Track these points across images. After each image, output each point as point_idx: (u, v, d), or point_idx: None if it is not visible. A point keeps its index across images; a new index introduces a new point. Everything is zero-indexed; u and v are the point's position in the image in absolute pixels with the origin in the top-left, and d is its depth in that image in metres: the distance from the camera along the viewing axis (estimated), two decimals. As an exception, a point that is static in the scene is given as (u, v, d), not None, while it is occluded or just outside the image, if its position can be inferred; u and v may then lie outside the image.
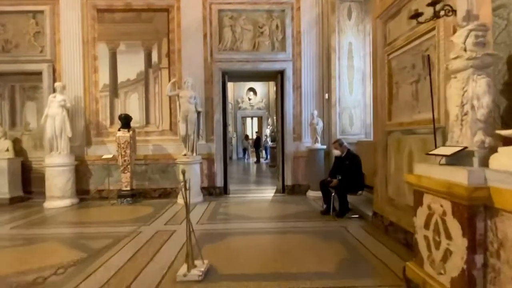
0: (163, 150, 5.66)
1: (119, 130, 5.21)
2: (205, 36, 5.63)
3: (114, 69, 5.71)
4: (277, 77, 5.91)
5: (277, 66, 5.68)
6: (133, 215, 4.38)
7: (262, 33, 5.66)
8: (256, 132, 15.50)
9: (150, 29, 5.71)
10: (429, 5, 2.02)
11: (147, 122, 5.75)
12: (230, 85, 15.97)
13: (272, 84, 15.60)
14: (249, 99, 15.81)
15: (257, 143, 14.49)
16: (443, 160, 1.65)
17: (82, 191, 5.58)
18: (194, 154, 5.12)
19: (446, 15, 2.06)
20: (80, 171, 5.58)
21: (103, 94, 5.72)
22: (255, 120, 17.93)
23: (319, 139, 5.30)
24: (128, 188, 5.20)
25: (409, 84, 2.84)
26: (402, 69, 3.00)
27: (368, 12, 5.30)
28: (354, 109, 5.42)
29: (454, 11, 2.05)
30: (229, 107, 16.05)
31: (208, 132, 5.70)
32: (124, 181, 5.21)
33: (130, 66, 5.71)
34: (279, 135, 6.02)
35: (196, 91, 5.42)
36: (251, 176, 9.07)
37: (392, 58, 3.18)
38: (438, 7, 2.00)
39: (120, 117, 5.19)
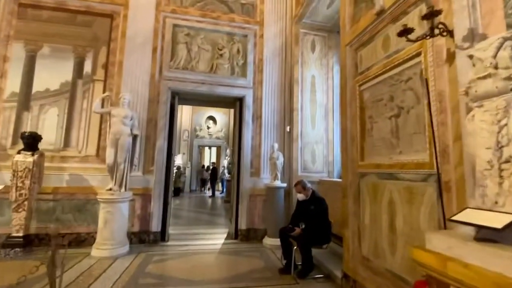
0: (83, 181, 4.38)
1: (18, 152, 3.87)
2: (154, 50, 4.87)
3: (30, 76, 4.50)
4: (236, 104, 5.31)
5: (236, 92, 5.10)
6: (8, 278, 2.96)
7: (221, 55, 5.13)
8: (213, 163, 14.48)
9: (86, 34, 4.76)
10: (424, 18, 1.59)
11: (66, 144, 4.49)
12: (187, 112, 15.20)
13: (232, 113, 15.22)
14: (208, 128, 15.01)
15: (213, 175, 13.44)
16: (482, 233, 1.03)
17: None
18: (123, 189, 3.98)
19: (440, 34, 1.64)
20: (-50, 208, 3.94)
21: (8, 105, 4.38)
22: (214, 150, 17.01)
23: (279, 175, 4.64)
24: (20, 234, 3.73)
25: (387, 119, 2.38)
26: (376, 102, 2.57)
27: (331, 47, 5.20)
28: (317, 145, 4.98)
29: (449, 32, 1.65)
30: (185, 134, 15.15)
31: (147, 162, 4.64)
32: (15, 223, 3.75)
33: (54, 74, 4.57)
34: (234, 169, 5.23)
35: (136, 111, 4.47)
36: (202, 214, 7.88)
37: (364, 89, 2.77)
38: (435, 21, 1.57)
39: (23, 136, 3.89)
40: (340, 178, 4.78)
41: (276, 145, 4.72)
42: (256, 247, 4.44)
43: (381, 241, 2.34)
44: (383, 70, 2.44)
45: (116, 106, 4.21)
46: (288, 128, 5.06)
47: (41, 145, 4.31)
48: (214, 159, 16.30)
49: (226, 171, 13.33)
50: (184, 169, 13.86)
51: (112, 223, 3.77)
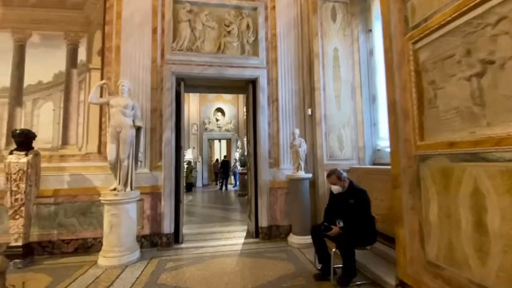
0: (85, 182, 3.95)
1: (11, 153, 3.45)
2: (154, 31, 4.31)
3: (20, 68, 4.05)
4: (248, 87, 4.72)
5: (248, 74, 4.51)
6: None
7: (229, 32, 4.53)
8: (225, 156, 14.04)
9: (78, 18, 4.25)
10: None
11: (64, 142, 4.06)
12: (195, 105, 14.71)
13: (242, 103, 14.61)
14: (217, 120, 14.51)
15: (225, 168, 13.02)
16: None
17: None
18: (129, 188, 3.52)
19: None
20: None
21: (-1, 101, 3.97)
22: (223, 143, 16.56)
23: (302, 165, 4.07)
24: (20, 243, 3.35)
25: (464, 80, 1.75)
26: (441, 61, 1.94)
27: (354, 14, 4.51)
28: (344, 128, 4.36)
29: None
30: (194, 128, 14.72)
31: (154, 157, 4.16)
32: (13, 231, 3.36)
33: (45, 64, 4.10)
34: (251, 160, 4.69)
35: (138, 101, 3.97)
36: (216, 209, 7.45)
37: (421, 47, 2.13)
38: None
39: (14, 134, 3.46)
40: (373, 164, 4.18)
41: (297, 131, 4.13)
42: (281, 246, 3.93)
43: (461, 244, 1.76)
44: (454, 16, 1.80)
45: (115, 95, 3.71)
46: (309, 111, 4.46)
47: (37, 144, 3.89)
48: (224, 152, 15.89)
49: (238, 163, 12.88)
50: (195, 163, 13.51)
51: (118, 227, 3.34)
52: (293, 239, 3.94)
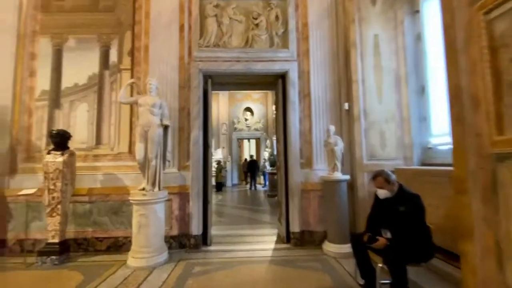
0: (117, 181, 3.99)
1: (48, 153, 3.59)
2: (181, 28, 4.23)
3: (58, 71, 4.23)
4: (277, 82, 4.43)
5: (277, 68, 4.22)
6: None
7: (257, 25, 4.29)
8: (251, 156, 13.88)
9: (110, 20, 4.33)
10: None
11: (98, 142, 4.15)
12: (224, 105, 14.79)
13: (270, 102, 14.35)
14: (246, 120, 14.43)
15: (252, 167, 12.86)
16: None
17: (-5, 242, 3.82)
18: (157, 188, 3.45)
19: None
20: (-4, 212, 3.87)
21: (40, 104, 4.18)
22: (253, 142, 16.44)
23: (338, 165, 3.68)
24: (56, 240, 3.46)
25: None
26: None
27: (398, -5, 3.97)
28: (387, 124, 3.87)
29: None
30: (224, 128, 14.80)
31: (182, 156, 4.08)
32: (50, 228, 3.48)
33: (80, 67, 4.24)
34: (281, 160, 4.40)
35: (166, 99, 3.91)
36: (246, 210, 7.28)
37: (496, 17, 1.67)
38: None
39: (51, 134, 3.59)
40: (422, 165, 3.64)
41: (332, 128, 3.75)
42: (315, 254, 3.59)
43: None
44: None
45: (143, 94, 3.68)
46: (346, 106, 4.04)
47: (74, 144, 4.03)
48: (253, 152, 15.77)
49: (267, 163, 12.65)
50: (225, 163, 13.56)
51: (147, 228, 3.28)
52: (329, 247, 3.57)
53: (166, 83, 4.08)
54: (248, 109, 14.57)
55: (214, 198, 9.72)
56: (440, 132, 3.51)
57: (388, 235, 2.37)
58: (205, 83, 4.33)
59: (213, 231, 4.58)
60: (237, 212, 6.96)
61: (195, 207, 3.95)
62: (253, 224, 5.51)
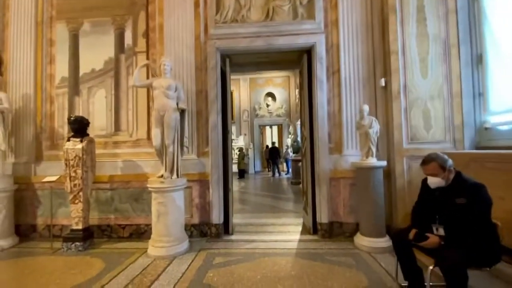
0: (136, 168, 3.91)
1: (68, 140, 3.54)
2: (196, 3, 3.91)
3: (76, 57, 4.15)
4: (302, 59, 4.00)
5: (302, 42, 3.78)
6: (63, 279, 2.59)
7: (278, -5, 3.84)
8: (273, 143, 13.53)
9: (123, 1, 4.12)
10: None
11: (117, 128, 4.06)
12: (245, 91, 14.42)
13: (293, 86, 13.74)
14: (267, 105, 14.02)
15: (274, 154, 12.53)
16: None
17: (27, 227, 3.96)
18: (175, 175, 3.29)
19: None
20: (26, 198, 3.99)
21: (60, 91, 4.16)
22: (275, 129, 16.06)
23: (373, 150, 3.24)
24: (80, 227, 3.46)
25: None
26: None
27: None
28: (432, 101, 3.32)
29: None
30: (245, 114, 14.52)
31: (201, 142, 3.87)
32: (74, 215, 3.49)
33: (96, 52, 4.12)
34: (306, 145, 4.03)
35: (182, 82, 3.68)
36: (268, 198, 7.06)
37: None
38: None
39: (69, 121, 3.53)
40: (477, 148, 3.09)
41: (366, 108, 3.29)
42: (346, 248, 3.25)
43: None
44: None
45: (156, 76, 3.47)
46: (382, 82, 3.53)
47: (94, 131, 3.99)
48: (276, 138, 15.42)
49: (290, 150, 12.26)
50: (247, 150, 13.39)
51: (166, 216, 3.14)
52: (362, 240, 3.21)
53: (182, 65, 3.84)
54: (270, 95, 14.12)
55: (236, 185, 9.65)
56: (501, 109, 2.91)
57: (441, 232, 1.96)
58: (223, 63, 4.02)
59: (235, 219, 4.40)
60: (260, 200, 6.75)
61: (215, 195, 3.76)
62: (276, 213, 5.26)
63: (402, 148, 3.34)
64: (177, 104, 3.30)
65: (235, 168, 11.95)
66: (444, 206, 1.95)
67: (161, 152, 3.30)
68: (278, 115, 13.97)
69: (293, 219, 4.62)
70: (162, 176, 3.24)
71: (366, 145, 3.28)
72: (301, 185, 7.36)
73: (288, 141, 12.77)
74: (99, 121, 4.07)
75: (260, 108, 14.06)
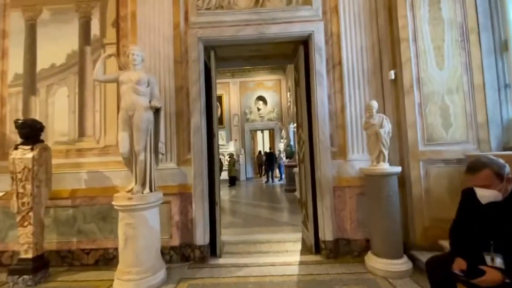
0: (104, 180, 3.27)
1: (15, 148, 2.88)
2: (175, -13, 3.38)
3: (33, 51, 3.52)
4: (298, 51, 3.50)
5: (298, 30, 3.28)
6: None
7: (270, -23, 3.35)
8: (270, 148, 13.07)
9: (89, -15, 3.54)
10: None
11: (81, 133, 3.43)
12: (235, 95, 13.88)
13: (284, 89, 13.30)
14: (258, 109, 13.54)
15: (270, 159, 12.06)
16: None
17: (-32, 255, 3.24)
18: (147, 189, 2.68)
19: None
20: (-32, 220, 3.28)
21: (13, 90, 3.51)
22: (266, 133, 15.58)
23: (385, 154, 2.73)
24: (30, 255, 2.78)
25: None
26: None
27: None
28: (451, 96, 2.85)
29: None
30: (235, 119, 13.96)
31: (182, 148, 3.28)
32: (23, 241, 2.81)
33: (57, 44, 3.50)
34: (304, 149, 3.50)
35: (160, 78, 3.11)
36: (262, 208, 6.47)
37: None
38: None
39: (17, 125, 2.87)
40: (504, 149, 2.62)
41: (375, 104, 2.79)
42: (357, 273, 2.70)
43: None
44: None
45: (124, 69, 2.89)
46: (392, 74, 3.06)
47: (53, 137, 3.36)
48: (267, 144, 14.93)
49: (283, 154, 11.75)
50: (238, 156, 12.81)
51: (135, 241, 2.52)
52: (375, 263, 2.66)
53: (158, 58, 3.27)
54: (261, 98, 13.66)
55: (227, 194, 9.02)
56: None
57: (498, 263, 1.44)
58: (207, 56, 3.48)
59: (225, 236, 3.81)
60: (252, 211, 6.16)
61: (199, 211, 3.16)
62: (271, 226, 4.68)
63: (417, 151, 2.85)
64: (150, 101, 2.71)
65: (225, 175, 11.33)
66: (502, 227, 1.44)
67: (130, 160, 2.70)
68: (270, 119, 13.50)
69: (291, 234, 4.05)
70: (130, 190, 2.62)
71: (376, 148, 2.77)
72: (297, 193, 6.82)
73: (281, 145, 12.28)
74: (60, 125, 3.43)
75: (251, 112, 13.56)
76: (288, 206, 6.52)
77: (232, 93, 13.62)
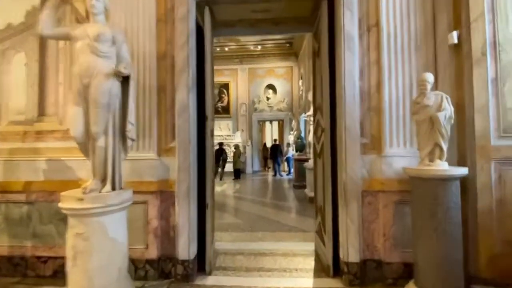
0: (67, 171, 2.58)
1: None
2: None
3: (-15, 7, 2.82)
4: (320, 9, 2.65)
5: (322, -21, 2.43)
6: None
7: None
8: (275, 140, 12.29)
9: None
10: None
11: (41, 112, 2.73)
12: (243, 81, 12.94)
13: (296, 77, 12.33)
14: (268, 99, 12.68)
15: (274, 152, 11.32)
16: None
17: None
18: (108, 186, 1.95)
19: None
20: None
21: (-38, 56, 2.83)
22: (275, 124, 14.74)
23: (444, 148, 1.91)
24: (-38, 266, 2.13)
25: None
26: None
27: None
28: (545, 67, 1.98)
29: None
30: (243, 108, 13.14)
31: (164, 133, 2.54)
32: (-45, 247, 2.16)
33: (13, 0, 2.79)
34: (323, 139, 2.69)
35: (138, 42, 2.36)
36: (266, 207, 5.74)
37: None
38: None
39: None
40: None
41: (430, 77, 1.97)
42: (395, 312, 1.93)
43: None
44: None
45: (81, 22, 2.14)
46: (454, 36, 2.18)
47: (7, 115, 2.69)
48: (276, 135, 14.11)
49: (292, 147, 10.92)
50: (244, 147, 12.08)
51: (87, 259, 1.82)
52: (424, 301, 1.88)
53: (136, 15, 2.51)
54: (270, 87, 12.77)
55: (231, 188, 8.33)
56: None
57: None
58: (201, 15, 2.68)
59: (221, 243, 3.14)
60: (256, 210, 5.43)
61: (183, 214, 2.44)
62: (277, 231, 3.94)
63: (488, 146, 2.01)
64: (116, 65, 1.96)
65: (230, 167, 10.65)
66: None
67: (86, 146, 1.98)
68: (279, 109, 12.62)
69: (301, 244, 3.30)
70: (84, 188, 1.91)
71: (430, 139, 1.95)
72: (307, 190, 5.98)
73: (291, 137, 11.43)
74: (16, 101, 2.75)
75: (259, 101, 12.71)
76: (296, 206, 5.77)
77: (240, 80, 12.78)
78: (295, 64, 12.37)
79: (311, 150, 7.64)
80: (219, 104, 12.67)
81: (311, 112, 6.62)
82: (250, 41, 12.08)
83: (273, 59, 12.60)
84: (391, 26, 2.34)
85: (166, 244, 2.49)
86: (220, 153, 10.40)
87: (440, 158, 1.93)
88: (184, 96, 2.46)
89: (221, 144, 10.86)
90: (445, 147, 1.91)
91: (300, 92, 11.24)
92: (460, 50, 2.16)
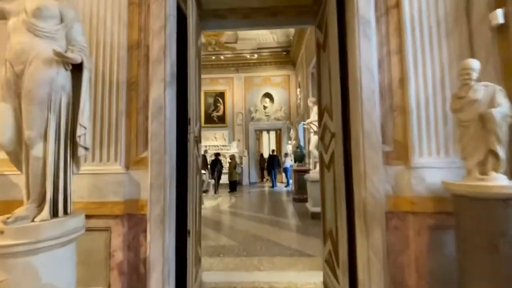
0: (11, 189, 2.03)
1: None
2: None
3: None
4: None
5: (329, -48, 2.01)
6: None
7: None
8: (273, 150, 11.83)
9: None
10: None
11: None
12: (240, 90, 12.51)
13: (293, 85, 11.96)
14: (265, 107, 12.30)
15: (271, 163, 10.85)
16: None
17: None
18: (46, 212, 1.42)
19: None
20: None
21: None
22: (272, 134, 14.31)
23: (501, 157, 1.42)
24: None
25: None
26: None
27: None
28: None
29: None
30: (239, 118, 12.69)
31: (134, 140, 2.03)
32: None
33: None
34: (334, 147, 2.20)
35: (105, 28, 1.89)
36: (264, 224, 5.17)
37: None
38: None
39: None
40: None
41: (475, 64, 1.51)
42: None
43: None
44: None
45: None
46: (498, 16, 1.73)
47: None
48: (273, 145, 13.64)
49: (290, 158, 10.41)
50: (241, 158, 11.56)
51: None
52: None
53: (103, -4, 2.04)
54: (267, 95, 12.41)
55: (226, 201, 7.74)
56: None
57: None
58: (183, 0, 2.23)
59: (209, 273, 2.54)
60: (253, 228, 4.85)
61: (157, 245, 1.89)
62: (277, 255, 3.37)
63: (555, 153, 1.52)
64: (65, 51, 1.47)
65: (226, 179, 10.07)
66: None
67: (18, 156, 1.46)
68: (277, 118, 12.22)
69: (306, 274, 2.74)
70: (7, 219, 1.37)
71: (480, 145, 1.47)
72: (308, 204, 5.35)
73: (289, 147, 10.96)
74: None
75: (256, 110, 12.32)
76: (298, 223, 5.20)
77: (236, 89, 12.43)
78: (293, 72, 12.10)
79: (311, 161, 7.17)
80: (215, 113, 12.25)
81: (311, 119, 6.17)
82: (246, 50, 11.83)
83: (269, 68, 12.33)
84: (414, 7, 1.91)
85: (135, 283, 1.93)
86: (215, 164, 9.87)
87: (496, 169, 1.44)
88: (160, 93, 1.96)
89: (217, 154, 10.34)
90: (503, 154, 1.42)
91: (298, 101, 10.87)
92: (507, 34, 1.71)
